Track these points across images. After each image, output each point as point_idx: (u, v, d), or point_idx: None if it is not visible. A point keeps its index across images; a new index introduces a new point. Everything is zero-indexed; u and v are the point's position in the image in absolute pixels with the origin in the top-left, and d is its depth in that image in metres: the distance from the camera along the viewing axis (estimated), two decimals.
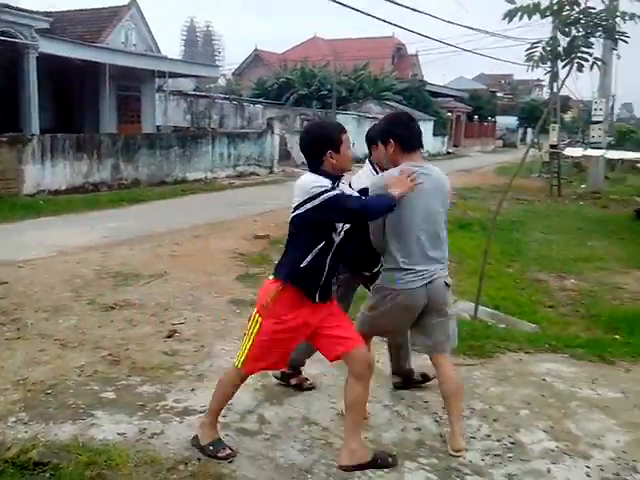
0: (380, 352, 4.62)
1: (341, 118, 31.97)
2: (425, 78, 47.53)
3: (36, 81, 17.84)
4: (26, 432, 3.57)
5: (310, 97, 36.84)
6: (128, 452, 3.36)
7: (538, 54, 5.86)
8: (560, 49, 5.74)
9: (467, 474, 3.28)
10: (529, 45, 5.84)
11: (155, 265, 7.88)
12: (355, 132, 32.04)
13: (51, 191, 14.56)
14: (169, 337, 5.24)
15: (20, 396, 4.03)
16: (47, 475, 3.10)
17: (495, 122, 57.44)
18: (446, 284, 3.56)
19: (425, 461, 3.40)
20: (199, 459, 3.34)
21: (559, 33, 5.80)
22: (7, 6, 17.16)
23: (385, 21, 19.35)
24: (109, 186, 16.13)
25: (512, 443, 3.61)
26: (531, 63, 5.89)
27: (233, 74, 53.20)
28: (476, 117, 51.49)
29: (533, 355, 5.05)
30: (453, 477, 3.25)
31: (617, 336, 5.79)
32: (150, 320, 5.68)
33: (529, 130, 55.80)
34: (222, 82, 47.26)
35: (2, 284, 6.78)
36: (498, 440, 3.64)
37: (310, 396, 4.19)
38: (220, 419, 3.80)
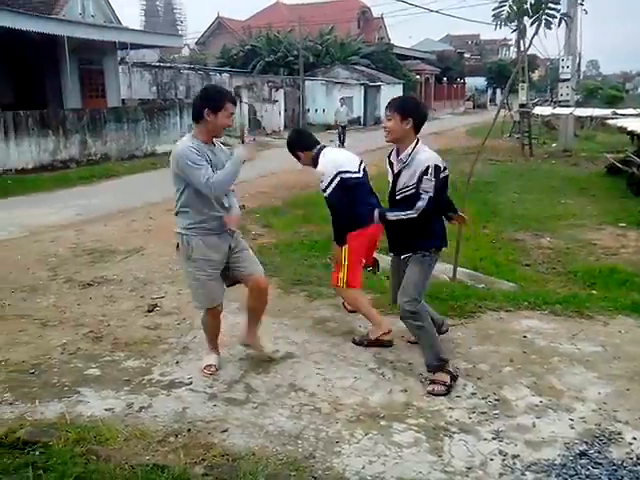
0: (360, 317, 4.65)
1: (310, 84, 31.71)
2: (392, 41, 47.19)
3: None
4: (12, 412, 3.54)
5: (277, 64, 36.38)
6: (117, 427, 3.35)
7: (505, 12, 5.84)
8: (527, 6, 5.72)
9: (455, 432, 3.33)
10: (497, 4, 5.81)
11: (131, 240, 7.79)
12: (324, 97, 31.86)
13: (18, 170, 14.23)
14: (150, 311, 5.20)
15: (3, 377, 3.99)
16: (37, 453, 3.07)
17: (464, 84, 57.50)
18: None
19: (413, 421, 3.45)
20: (189, 430, 3.35)
21: None
22: None
23: None
24: (78, 162, 15.81)
25: (497, 400, 3.68)
26: (498, 22, 5.86)
27: (197, 43, 52.16)
28: (445, 79, 51.42)
29: (513, 313, 5.13)
30: (441, 436, 3.30)
31: (594, 291, 5.90)
32: (130, 295, 5.63)
33: (498, 91, 55.92)
34: (186, 52, 46.34)
35: None
36: (483, 398, 3.70)
37: (296, 363, 4.21)
38: (207, 390, 3.82)
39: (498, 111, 7.44)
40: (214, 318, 4.11)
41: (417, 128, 3.81)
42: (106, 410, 3.57)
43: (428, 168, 3.70)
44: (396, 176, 3.93)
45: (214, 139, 3.92)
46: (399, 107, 3.81)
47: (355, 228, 4.33)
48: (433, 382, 3.81)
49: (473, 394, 3.76)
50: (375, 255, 6.63)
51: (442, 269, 6.83)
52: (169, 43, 28.63)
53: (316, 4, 49.26)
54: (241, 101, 22.68)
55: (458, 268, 6.34)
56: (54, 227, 8.72)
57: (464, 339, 4.61)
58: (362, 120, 34.08)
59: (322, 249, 7.28)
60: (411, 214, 3.78)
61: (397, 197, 3.92)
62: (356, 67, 36.67)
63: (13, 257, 7.05)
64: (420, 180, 3.72)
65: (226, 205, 3.90)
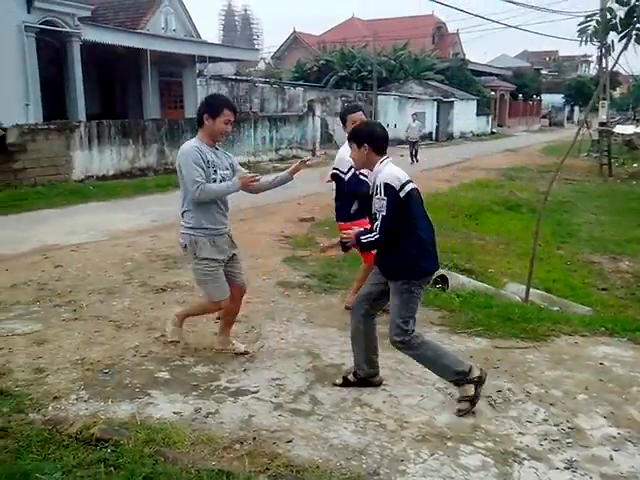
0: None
1: (382, 99, 31.73)
2: (467, 57, 46.67)
3: (80, 69, 18.16)
4: (87, 409, 3.67)
5: (350, 79, 36.61)
6: (185, 431, 3.41)
7: (592, 27, 5.66)
8: (616, 21, 5.52)
9: (525, 459, 3.22)
10: (581, 19, 5.65)
11: None
12: (396, 112, 31.80)
13: (99, 177, 14.86)
14: (219, 319, 5.27)
15: (79, 375, 4.14)
16: (109, 451, 3.17)
17: (540, 100, 56.09)
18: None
19: (481, 445, 3.35)
20: (254, 438, 3.38)
21: (615, 3, 5.57)
22: None
23: None
24: (155, 171, 16.37)
25: (570, 428, 3.53)
26: (584, 37, 5.69)
27: (272, 57, 53.17)
28: (520, 96, 50.34)
29: (589, 338, 4.93)
30: (510, 461, 3.20)
31: None
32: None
33: (576, 108, 54.29)
34: (262, 66, 47.26)
35: (57, 267, 6.96)
36: (556, 425, 3.56)
37: None
38: (272, 399, 3.85)
39: (579, 130, 7.22)
40: (215, 310, 4.54)
41: (377, 150, 3.82)
42: (174, 413, 3.65)
43: (377, 187, 3.66)
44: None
45: (216, 143, 4.25)
46: (353, 137, 3.90)
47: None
48: (459, 401, 3.73)
49: (545, 420, 3.63)
50: (444, 272, 6.55)
51: (514, 289, 6.67)
52: (246, 57, 29.38)
53: (392, 19, 49.42)
54: (314, 115, 22.91)
55: (531, 289, 6.16)
56: (131, 232, 9.03)
57: (537, 363, 4.47)
58: (434, 136, 33.77)
59: None
60: (376, 236, 3.69)
61: (374, 219, 3.80)
62: (429, 82, 36.44)
63: (92, 260, 7.34)
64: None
65: (228, 206, 4.32)
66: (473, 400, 3.69)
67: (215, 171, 4.10)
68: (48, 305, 5.67)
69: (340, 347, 4.68)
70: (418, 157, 20.73)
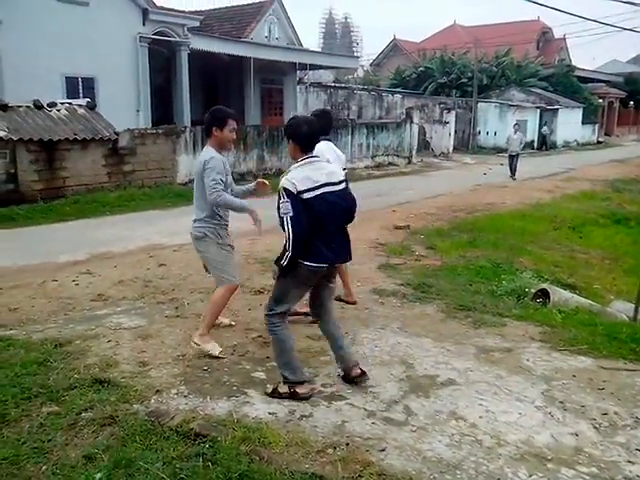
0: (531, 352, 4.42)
1: (482, 106, 31.07)
2: (573, 62, 44.77)
3: (187, 76, 18.99)
4: (186, 404, 3.81)
5: (449, 86, 36.07)
6: (279, 431, 3.47)
7: None
8: None
9: None
10: None
11: None
12: (497, 120, 30.99)
13: None
14: (314, 322, 5.32)
15: (180, 371, 4.31)
16: (206, 446, 3.27)
17: None
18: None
19: (584, 469, 3.19)
20: (347, 444, 3.38)
21: None
22: (164, 8, 18.40)
23: (532, 1, 17.97)
24: (255, 175, 16.75)
25: None
26: None
27: (371, 64, 53.30)
28: (631, 103, 47.63)
29: None
30: None
31: None
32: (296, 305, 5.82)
33: None
34: (360, 73, 47.48)
35: (161, 266, 7.29)
36: None
37: (457, 391, 4.09)
38: (366, 406, 3.84)
39: None
40: (232, 294, 4.79)
41: (302, 148, 3.92)
42: (270, 414, 3.72)
43: (279, 192, 3.77)
44: None
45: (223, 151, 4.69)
46: (284, 130, 4.09)
47: None
48: (274, 387, 3.94)
49: None
50: (546, 286, 6.31)
51: (621, 307, 6.33)
52: (346, 64, 29.66)
53: (494, 25, 48.19)
54: (412, 122, 22.74)
55: None
56: (231, 235, 9.27)
57: None
58: (536, 144, 32.62)
59: (489, 275, 7.06)
60: (288, 239, 3.75)
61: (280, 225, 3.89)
62: (532, 90, 35.22)
63: (193, 260, 7.59)
64: None
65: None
66: (274, 394, 3.91)
67: (227, 176, 4.65)
68: (152, 302, 5.94)
69: (435, 358, 4.61)
70: (516, 175, 18.63)
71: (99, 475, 3.02)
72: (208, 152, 4.61)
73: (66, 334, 4.99)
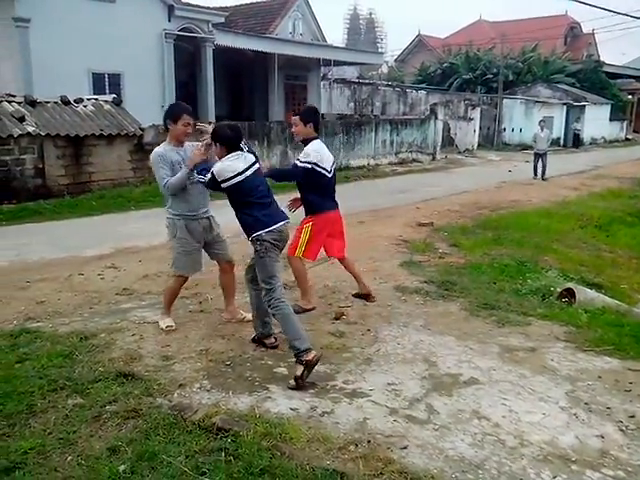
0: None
1: (508, 102, 30.73)
2: (602, 58, 44.00)
3: (212, 72, 19.07)
4: (209, 399, 3.84)
5: (474, 82, 35.78)
6: (301, 427, 3.48)
7: None
8: None
9: None
10: None
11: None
12: (522, 117, 30.64)
13: None
14: (337, 319, 5.35)
15: (203, 365, 4.34)
16: (229, 440, 3.29)
17: None
18: None
19: (610, 473, 3.14)
20: (369, 441, 3.37)
21: None
22: (189, 4, 18.50)
23: None
24: None
25: None
26: None
27: (395, 60, 53.01)
28: None
29: None
30: None
31: None
32: (319, 302, 5.83)
33: None
34: (384, 69, 47.26)
35: None
36: None
37: (480, 390, 4.06)
38: (388, 404, 3.82)
39: None
40: (180, 285, 5.15)
41: (228, 149, 4.46)
42: (291, 410, 3.72)
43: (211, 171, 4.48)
44: None
45: (182, 143, 4.98)
46: (211, 135, 4.58)
47: (318, 212, 5.51)
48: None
49: None
50: (572, 286, 6.22)
51: None
52: (370, 60, 29.57)
53: (521, 21, 47.59)
54: (436, 118, 22.58)
55: None
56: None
57: None
58: (562, 141, 32.18)
59: (513, 273, 6.98)
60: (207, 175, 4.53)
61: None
62: (559, 86, 34.73)
63: None
64: None
65: (205, 196, 5.04)
66: (297, 380, 4.00)
67: (181, 167, 4.82)
68: None
69: (458, 356, 4.58)
70: (546, 174, 17.54)
71: (123, 467, 3.06)
72: (156, 148, 4.99)
73: (91, 327, 5.06)
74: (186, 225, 4.95)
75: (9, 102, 12.04)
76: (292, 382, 4.03)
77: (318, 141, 5.53)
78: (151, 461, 3.11)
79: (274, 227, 4.46)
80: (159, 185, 4.90)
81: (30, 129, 11.52)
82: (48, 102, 12.55)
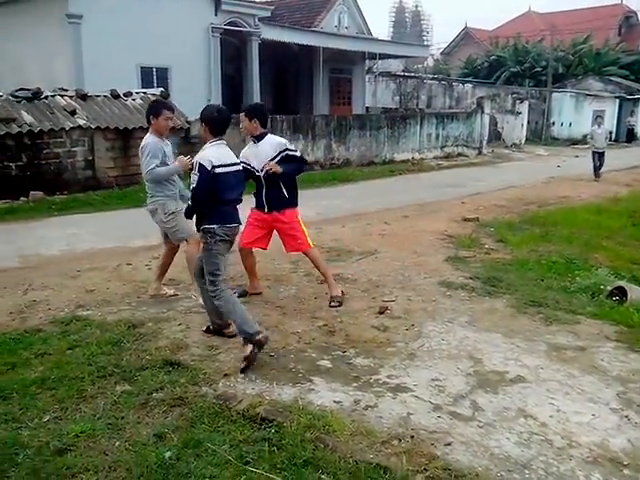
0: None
1: (557, 96, 30.03)
2: None
3: (258, 66, 19.17)
4: (253, 389, 3.87)
5: (522, 75, 35.04)
6: (344, 420, 3.47)
7: None
8: None
9: None
10: None
11: (365, 243, 8.06)
12: (572, 111, 29.88)
13: None
14: (381, 313, 5.32)
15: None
16: (272, 431, 3.31)
17: None
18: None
19: None
20: (412, 437, 3.34)
21: None
22: None
23: None
24: (322, 165, 16.83)
25: None
26: None
27: (441, 53, 52.33)
28: None
29: None
30: None
31: None
32: (362, 296, 5.82)
33: None
34: (430, 62, 46.71)
35: (230, 253, 7.38)
36: None
37: (527, 388, 3.98)
38: (432, 399, 3.79)
39: None
40: (199, 244, 5.02)
41: (212, 131, 4.50)
42: (335, 402, 3.72)
43: (194, 164, 4.43)
44: None
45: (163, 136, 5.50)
46: (200, 115, 4.60)
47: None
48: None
49: None
50: (623, 284, 6.05)
51: None
52: (416, 53, 29.25)
53: (572, 11, 46.27)
54: (483, 112, 22.22)
55: None
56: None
57: None
58: (614, 136, 31.23)
59: (562, 271, 6.82)
60: (189, 202, 4.59)
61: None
62: (611, 78, 33.71)
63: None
64: None
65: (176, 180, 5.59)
66: (247, 359, 4.08)
67: (167, 158, 5.38)
68: None
69: (504, 354, 4.50)
70: (601, 169, 16.29)
71: (169, 454, 3.11)
72: (144, 139, 5.41)
73: (139, 316, 5.17)
74: (167, 204, 5.45)
75: (61, 96, 12.36)
76: (243, 363, 4.10)
77: (274, 135, 5.81)
78: (196, 449, 3.16)
79: (228, 225, 4.48)
80: (142, 169, 5.38)
81: (81, 122, 11.80)
82: (98, 96, 12.83)
